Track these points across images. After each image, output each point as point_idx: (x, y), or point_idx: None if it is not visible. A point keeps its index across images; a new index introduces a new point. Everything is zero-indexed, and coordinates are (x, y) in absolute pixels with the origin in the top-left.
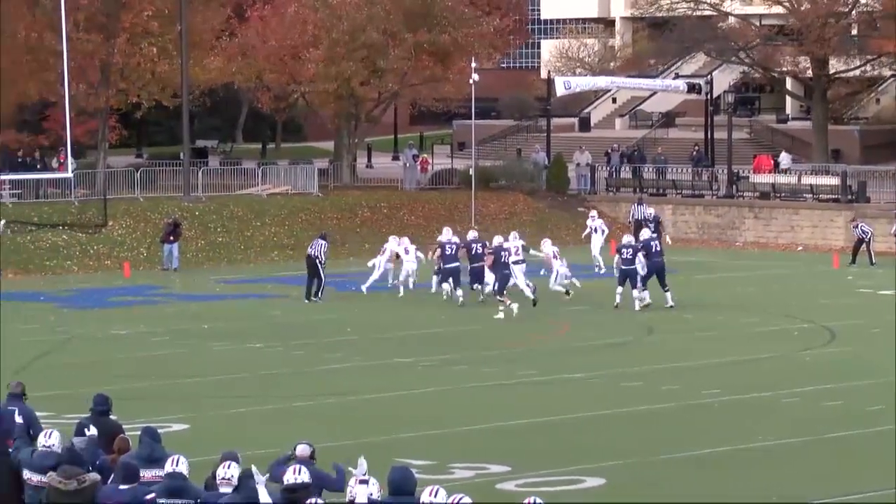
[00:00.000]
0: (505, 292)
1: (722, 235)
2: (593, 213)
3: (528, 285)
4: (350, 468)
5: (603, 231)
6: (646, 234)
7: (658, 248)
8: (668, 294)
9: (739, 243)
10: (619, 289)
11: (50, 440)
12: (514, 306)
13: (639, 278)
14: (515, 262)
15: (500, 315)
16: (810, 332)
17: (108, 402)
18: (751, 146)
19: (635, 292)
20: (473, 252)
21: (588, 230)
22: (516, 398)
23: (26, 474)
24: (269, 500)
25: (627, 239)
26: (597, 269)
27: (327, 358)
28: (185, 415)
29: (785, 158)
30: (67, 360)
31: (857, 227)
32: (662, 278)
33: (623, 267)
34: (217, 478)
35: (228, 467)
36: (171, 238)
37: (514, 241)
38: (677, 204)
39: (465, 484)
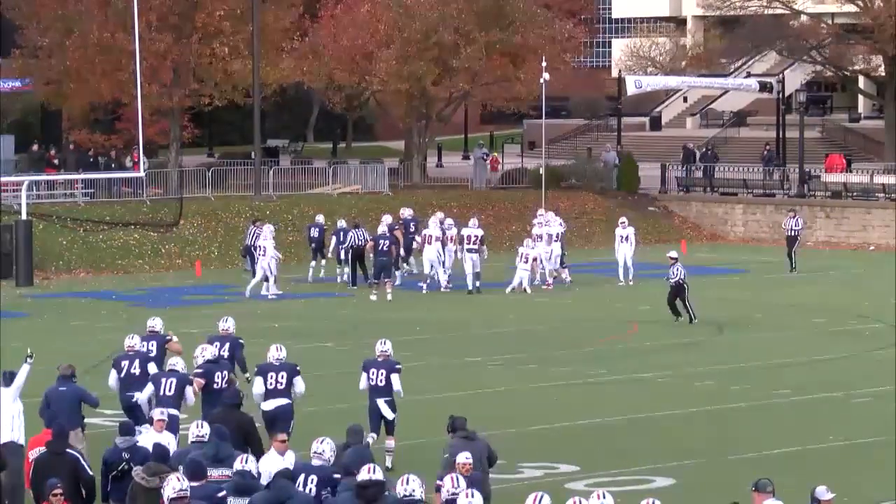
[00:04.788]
0: (381, 277)
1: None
2: (623, 219)
3: (472, 274)
4: None
5: (631, 240)
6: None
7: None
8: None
9: (811, 243)
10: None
11: (200, 430)
12: (388, 294)
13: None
14: (469, 251)
15: (374, 297)
16: (882, 332)
17: (241, 395)
18: (823, 145)
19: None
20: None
21: (617, 239)
22: (585, 398)
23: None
24: None
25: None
26: (624, 281)
27: (396, 357)
28: (257, 413)
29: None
30: None
31: None
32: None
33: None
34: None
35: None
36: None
37: (474, 230)
38: (748, 203)
39: (534, 483)
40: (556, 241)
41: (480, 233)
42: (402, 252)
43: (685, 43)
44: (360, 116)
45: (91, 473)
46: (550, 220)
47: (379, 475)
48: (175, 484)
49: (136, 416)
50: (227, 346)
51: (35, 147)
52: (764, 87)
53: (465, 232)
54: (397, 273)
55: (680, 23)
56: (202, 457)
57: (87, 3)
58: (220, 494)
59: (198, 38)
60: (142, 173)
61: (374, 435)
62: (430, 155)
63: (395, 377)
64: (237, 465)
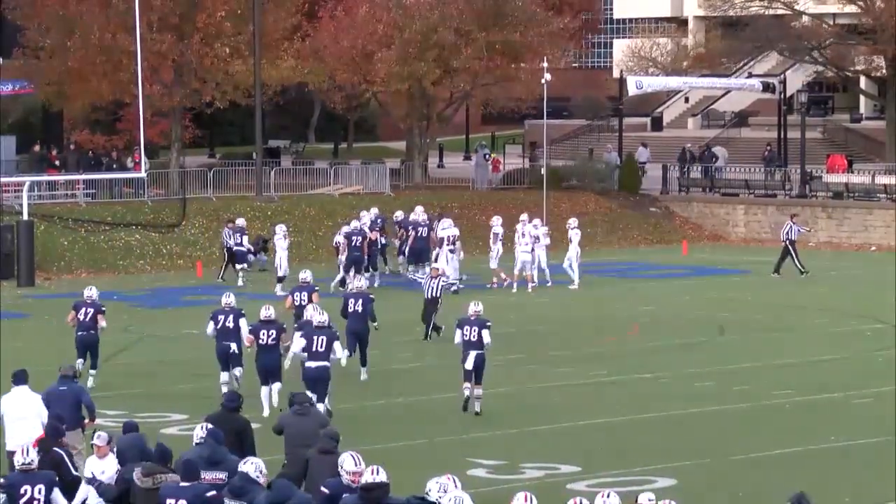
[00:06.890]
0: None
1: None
2: (570, 220)
3: (456, 276)
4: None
5: (572, 240)
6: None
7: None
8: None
9: (812, 243)
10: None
11: (203, 433)
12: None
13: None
14: (451, 251)
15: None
16: (883, 333)
17: (240, 399)
18: (824, 146)
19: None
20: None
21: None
22: (585, 398)
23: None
24: None
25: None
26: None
27: (398, 358)
28: (256, 414)
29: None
30: (140, 360)
31: None
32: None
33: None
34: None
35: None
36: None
37: (450, 230)
38: (750, 204)
39: (536, 484)
40: (500, 241)
41: (456, 232)
42: (400, 250)
43: (686, 43)
44: (361, 117)
45: (75, 473)
46: (495, 221)
47: (382, 477)
48: (19, 457)
49: (228, 364)
50: (360, 301)
51: (36, 148)
52: (766, 87)
53: (442, 233)
54: (374, 275)
55: (681, 23)
56: (197, 458)
57: (88, 3)
58: (209, 494)
59: (199, 39)
60: (143, 174)
61: (469, 384)
62: (432, 155)
63: (485, 332)
64: (241, 467)
